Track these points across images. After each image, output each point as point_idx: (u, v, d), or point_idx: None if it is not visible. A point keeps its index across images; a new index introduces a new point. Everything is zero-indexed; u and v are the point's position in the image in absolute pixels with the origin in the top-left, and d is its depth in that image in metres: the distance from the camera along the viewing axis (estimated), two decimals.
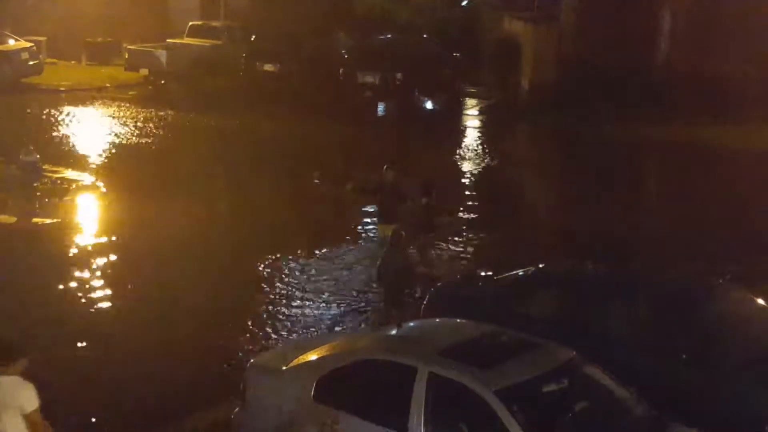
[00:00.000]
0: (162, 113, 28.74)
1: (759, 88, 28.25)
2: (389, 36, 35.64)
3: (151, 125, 27.09)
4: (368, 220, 18.16)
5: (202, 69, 32.65)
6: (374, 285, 13.95)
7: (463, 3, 43.73)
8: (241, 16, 38.07)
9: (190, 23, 35.66)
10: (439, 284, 12.66)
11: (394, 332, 9.74)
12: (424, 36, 36.66)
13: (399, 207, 15.02)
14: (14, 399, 7.34)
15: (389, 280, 12.31)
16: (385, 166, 15.32)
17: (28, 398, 7.41)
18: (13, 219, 17.76)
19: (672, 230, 18.04)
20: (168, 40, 34.64)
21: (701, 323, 10.06)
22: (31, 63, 32.69)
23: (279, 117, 27.76)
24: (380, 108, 31.42)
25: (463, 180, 22.61)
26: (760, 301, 10.92)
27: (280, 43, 33.09)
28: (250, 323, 13.44)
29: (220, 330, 13.07)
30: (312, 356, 9.46)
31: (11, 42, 32.68)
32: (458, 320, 10.09)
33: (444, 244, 16.64)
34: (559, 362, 8.85)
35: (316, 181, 16.59)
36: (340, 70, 31.25)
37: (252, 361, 10.02)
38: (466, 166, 24.29)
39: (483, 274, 12.46)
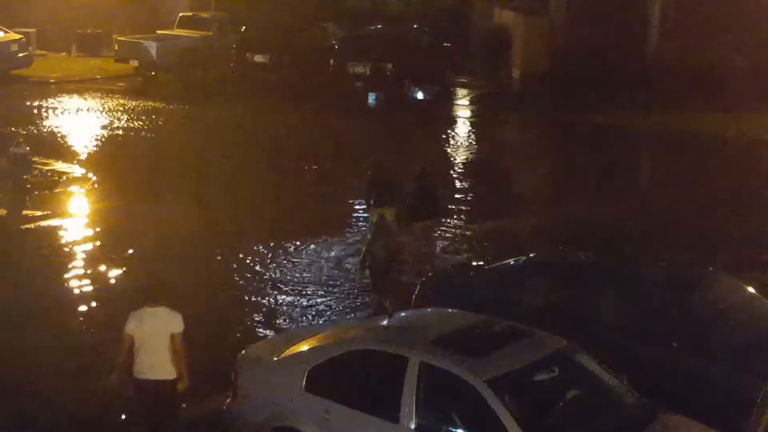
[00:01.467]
0: (152, 104, 28.68)
1: (748, 77, 28.30)
2: (379, 26, 35.59)
3: (141, 117, 27.04)
4: (360, 209, 18.17)
5: (192, 60, 32.60)
6: (357, 273, 13.97)
7: None
8: (232, 7, 37.94)
9: (180, 14, 35.60)
10: (430, 274, 12.66)
11: (385, 322, 9.75)
12: (415, 26, 36.63)
13: (391, 191, 14.97)
14: (169, 323, 9.34)
15: (375, 266, 12.32)
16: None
17: (178, 323, 9.37)
18: (3, 211, 17.73)
19: (662, 218, 18.08)
20: (158, 32, 34.56)
21: (691, 311, 10.08)
22: (20, 55, 32.59)
23: (269, 108, 27.73)
24: (371, 98, 31.39)
25: (454, 168, 22.60)
26: (750, 289, 10.96)
27: (271, 34, 33.01)
28: (239, 314, 13.44)
29: (210, 320, 13.04)
30: (303, 347, 9.46)
31: (0, 34, 32.55)
32: (449, 310, 10.11)
33: (438, 232, 16.62)
34: (550, 351, 8.87)
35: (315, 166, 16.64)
36: (331, 61, 31.20)
37: (243, 351, 10.01)
38: (457, 155, 24.29)
39: (474, 263, 12.48)
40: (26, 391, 10.99)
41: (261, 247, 16.00)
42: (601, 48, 30.13)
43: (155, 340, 9.30)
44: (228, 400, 9.68)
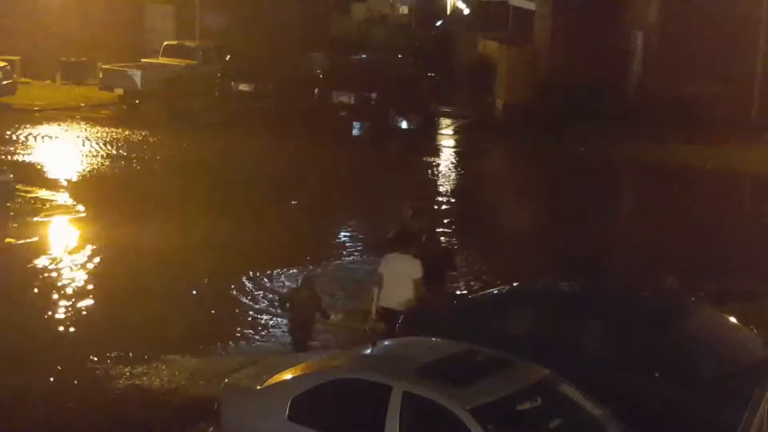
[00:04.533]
0: (136, 133, 28.67)
1: (731, 109, 28.52)
2: (364, 56, 35.76)
3: (125, 145, 27.03)
4: (344, 239, 18.20)
5: (176, 89, 32.63)
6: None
7: (438, 24, 44.04)
8: (217, 36, 38.11)
9: (165, 43, 35.66)
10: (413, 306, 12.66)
11: (368, 351, 9.75)
12: (399, 56, 36.81)
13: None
14: (411, 269, 11.63)
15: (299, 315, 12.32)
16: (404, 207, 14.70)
17: (417, 268, 11.72)
18: None
19: (645, 249, 18.15)
20: (143, 60, 34.62)
21: (674, 341, 10.12)
22: (4, 83, 32.48)
23: (254, 137, 27.76)
24: (355, 127, 31.49)
25: (438, 198, 22.67)
26: (732, 319, 11.01)
27: (256, 63, 33.15)
28: (222, 341, 13.43)
29: (193, 347, 13.04)
30: (287, 375, 9.46)
31: None
32: (433, 339, 10.11)
33: None
34: (534, 380, 8.88)
35: (294, 202, 16.49)
36: (315, 90, 31.30)
37: (226, 380, 9.99)
38: (440, 185, 24.38)
39: (458, 292, 12.51)
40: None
41: (243, 275, 15.98)
42: (584, 79, 30.33)
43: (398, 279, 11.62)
44: (211, 429, 9.65)
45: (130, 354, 12.74)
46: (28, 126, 28.85)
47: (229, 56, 34.30)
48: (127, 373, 12.25)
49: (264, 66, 32.89)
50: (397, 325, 11.59)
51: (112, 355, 12.72)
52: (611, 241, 18.75)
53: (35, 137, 27.54)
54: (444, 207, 21.95)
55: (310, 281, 13.00)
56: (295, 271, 16.10)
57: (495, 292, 11.60)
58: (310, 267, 16.42)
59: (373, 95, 30.85)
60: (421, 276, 11.78)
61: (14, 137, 27.25)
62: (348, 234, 19.61)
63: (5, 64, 33.06)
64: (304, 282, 13.02)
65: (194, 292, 15.36)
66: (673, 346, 10.04)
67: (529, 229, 20.27)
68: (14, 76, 33.73)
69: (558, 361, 9.37)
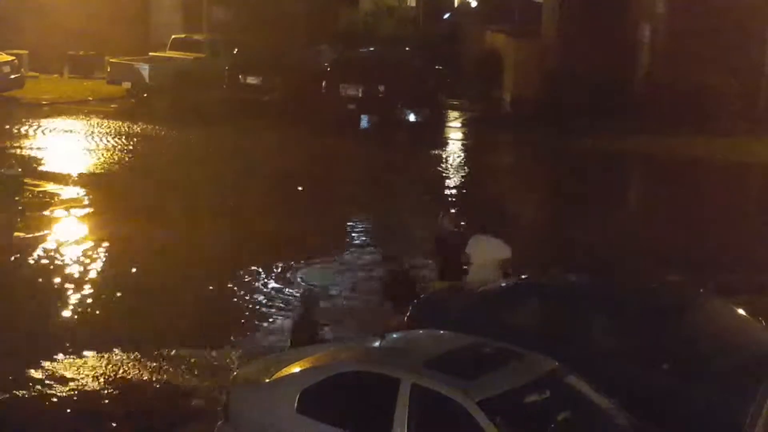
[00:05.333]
0: (144, 126, 28.70)
1: (739, 100, 28.45)
2: (372, 49, 35.69)
3: (133, 138, 27.06)
4: (351, 232, 18.23)
5: (184, 82, 32.64)
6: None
7: (445, 17, 43.94)
8: (224, 29, 38.09)
9: (173, 36, 35.66)
10: (422, 296, 12.69)
11: (377, 344, 9.76)
12: (407, 49, 36.74)
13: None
14: (501, 249, 12.64)
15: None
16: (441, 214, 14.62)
17: (507, 249, 12.71)
18: None
19: (653, 241, 18.12)
20: (150, 54, 34.62)
21: (682, 333, 10.11)
22: (12, 77, 32.55)
23: (262, 130, 27.76)
24: (363, 120, 31.46)
25: (446, 192, 22.65)
26: (740, 311, 11.00)
27: (264, 56, 33.11)
28: (232, 334, 13.45)
29: (201, 341, 13.06)
30: (295, 368, 9.46)
31: None
32: (441, 332, 10.12)
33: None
34: (542, 372, 8.89)
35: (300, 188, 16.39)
36: (323, 83, 31.28)
37: (234, 373, 10.01)
38: (450, 177, 24.37)
39: (466, 285, 12.51)
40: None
41: (253, 268, 16.01)
42: (592, 71, 30.25)
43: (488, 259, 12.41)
44: (219, 423, 9.67)
45: (137, 348, 12.77)
46: (35, 120, 28.89)
47: (236, 49, 34.28)
48: (136, 367, 12.28)
49: (272, 59, 32.84)
50: (406, 317, 11.61)
51: (118, 348, 12.74)
52: (619, 232, 18.70)
53: (43, 131, 27.57)
54: (452, 200, 21.93)
55: (308, 301, 12.90)
56: (301, 264, 16.14)
57: (503, 284, 11.60)
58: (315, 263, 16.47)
59: (381, 88, 30.82)
60: (510, 256, 12.73)
61: (22, 131, 27.30)
62: (355, 227, 19.61)
63: (13, 58, 33.09)
64: (302, 301, 13.00)
65: (210, 287, 15.34)
66: (682, 338, 10.03)
67: (537, 221, 20.29)
68: (22, 70, 33.77)
69: (566, 353, 9.37)
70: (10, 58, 32.97)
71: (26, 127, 27.81)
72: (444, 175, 24.64)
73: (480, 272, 12.64)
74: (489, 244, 12.87)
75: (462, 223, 14.76)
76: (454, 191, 22.95)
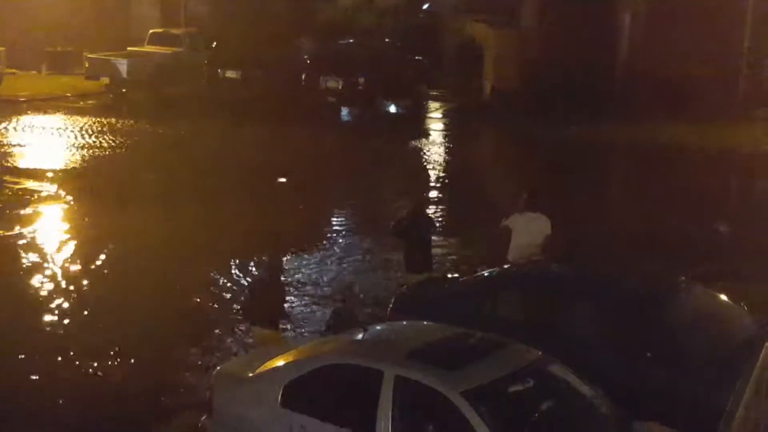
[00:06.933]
0: (122, 122, 28.59)
1: (717, 88, 28.57)
2: (351, 41, 35.66)
3: (111, 134, 26.93)
4: (334, 224, 18.18)
5: (162, 77, 32.53)
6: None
7: (425, 7, 43.88)
8: (202, 23, 37.96)
9: (151, 31, 35.51)
10: (404, 287, 12.66)
11: (359, 336, 9.72)
12: (387, 40, 36.72)
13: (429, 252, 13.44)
14: (545, 226, 12.63)
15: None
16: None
17: (549, 226, 12.71)
18: None
19: (633, 229, 18.16)
20: (129, 48, 34.48)
21: (665, 321, 10.13)
22: None
23: (242, 124, 27.71)
24: (344, 113, 31.42)
25: (429, 184, 22.64)
26: (723, 297, 11.03)
27: (242, 50, 33.04)
28: (213, 331, 13.40)
29: (186, 336, 13.01)
30: (278, 362, 9.42)
31: None
32: (424, 323, 10.10)
33: None
34: (526, 362, 8.88)
35: (282, 180, 16.31)
36: (303, 76, 31.23)
37: (218, 368, 9.97)
38: (430, 169, 24.35)
39: (449, 275, 12.49)
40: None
41: (233, 262, 15.95)
42: (573, 61, 30.32)
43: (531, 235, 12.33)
44: (203, 418, 9.63)
45: (120, 345, 12.70)
46: (14, 116, 28.74)
47: (215, 43, 34.17)
48: (119, 364, 12.22)
49: (251, 53, 32.78)
50: (389, 310, 11.58)
51: (102, 349, 12.66)
52: (600, 221, 18.74)
53: (22, 128, 27.42)
54: (432, 193, 21.91)
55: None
56: (288, 257, 16.09)
57: (485, 274, 11.57)
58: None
59: (361, 80, 30.85)
60: (551, 233, 12.64)
61: (0, 128, 27.13)
62: (337, 218, 19.59)
63: None
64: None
65: (190, 272, 15.21)
66: (665, 326, 10.05)
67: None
68: (0, 66, 33.57)
69: (550, 342, 9.37)
70: None
71: (4, 124, 27.65)
72: (423, 166, 24.62)
73: (523, 250, 12.35)
74: (533, 219, 12.65)
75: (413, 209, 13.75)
76: (433, 182, 22.94)
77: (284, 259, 14.19)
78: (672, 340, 9.87)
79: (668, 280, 11.57)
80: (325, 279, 15.52)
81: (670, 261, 14.88)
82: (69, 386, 11.64)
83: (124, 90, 32.87)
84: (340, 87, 30.96)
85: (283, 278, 12.44)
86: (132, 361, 12.29)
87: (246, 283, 14.80)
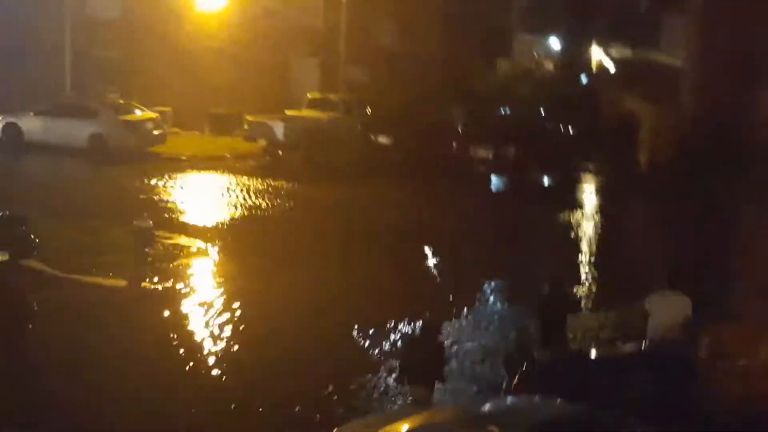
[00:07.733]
0: (277, 184, 29.18)
1: None
2: (505, 110, 35.71)
3: (265, 195, 27.52)
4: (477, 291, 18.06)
5: (317, 140, 33.16)
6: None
7: (582, 79, 43.73)
8: (361, 88, 38.67)
9: (309, 95, 36.39)
10: (529, 362, 12.39)
11: (483, 407, 9.56)
12: (541, 110, 36.62)
13: None
14: (684, 305, 12.33)
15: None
16: None
17: (687, 305, 12.36)
18: (123, 282, 18.13)
19: None
20: (286, 112, 35.36)
21: None
22: (155, 133, 33.63)
23: (392, 190, 27.93)
24: (494, 182, 31.33)
25: (575, 258, 22.18)
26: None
27: (396, 116, 33.46)
28: (341, 390, 13.42)
29: (310, 395, 13.09)
30: (401, 427, 9.32)
31: (138, 112, 33.76)
32: (548, 399, 9.86)
33: None
34: None
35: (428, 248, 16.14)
36: (454, 144, 31.39)
37: (335, 430, 9.95)
38: (584, 246, 23.87)
39: (575, 351, 12.21)
40: None
41: (372, 326, 16.00)
42: (734, 135, 29.58)
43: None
44: None
45: (256, 401, 12.85)
46: (174, 174, 29.72)
47: (369, 109, 34.72)
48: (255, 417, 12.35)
49: (404, 119, 33.16)
50: (513, 383, 11.37)
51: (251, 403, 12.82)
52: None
53: (181, 186, 28.33)
54: (580, 269, 21.45)
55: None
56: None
57: (615, 352, 11.27)
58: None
59: (512, 150, 30.77)
60: (691, 312, 12.42)
61: (160, 184, 28.11)
62: (482, 286, 19.42)
63: (157, 115, 34.29)
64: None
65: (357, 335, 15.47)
66: None
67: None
68: (165, 126, 34.91)
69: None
70: (154, 115, 34.17)
71: (164, 181, 28.63)
72: (569, 241, 24.18)
73: (660, 330, 12.24)
74: (672, 300, 12.51)
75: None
76: (580, 258, 22.48)
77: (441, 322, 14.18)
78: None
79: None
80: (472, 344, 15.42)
81: None
82: None
83: (279, 152, 33.66)
84: (490, 156, 30.96)
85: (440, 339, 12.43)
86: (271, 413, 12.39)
87: (401, 345, 14.90)
